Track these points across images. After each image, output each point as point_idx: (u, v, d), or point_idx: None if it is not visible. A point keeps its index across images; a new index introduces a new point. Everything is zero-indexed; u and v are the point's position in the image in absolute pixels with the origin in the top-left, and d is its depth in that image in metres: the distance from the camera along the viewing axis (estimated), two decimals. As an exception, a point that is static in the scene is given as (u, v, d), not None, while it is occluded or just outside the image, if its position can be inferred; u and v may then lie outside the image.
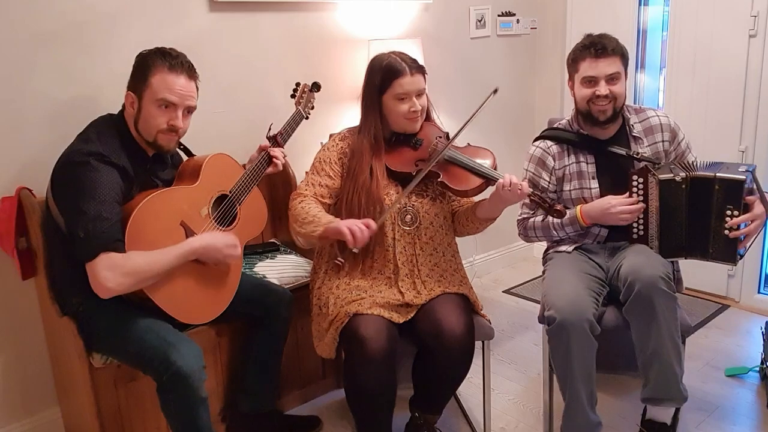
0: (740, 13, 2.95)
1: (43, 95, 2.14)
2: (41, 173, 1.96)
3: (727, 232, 1.98)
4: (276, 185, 2.63)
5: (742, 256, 2.03)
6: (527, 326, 3.08)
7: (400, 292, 1.99)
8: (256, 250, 2.52)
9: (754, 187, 2.00)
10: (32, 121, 2.13)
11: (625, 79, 2.15)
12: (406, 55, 2.05)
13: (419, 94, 2.02)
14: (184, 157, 2.10)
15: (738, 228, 1.97)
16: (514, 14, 3.62)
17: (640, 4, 3.38)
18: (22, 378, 2.21)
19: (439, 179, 1.99)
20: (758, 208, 1.98)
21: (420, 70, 2.03)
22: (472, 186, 1.98)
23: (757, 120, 2.98)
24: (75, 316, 1.85)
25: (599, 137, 2.20)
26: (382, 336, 1.85)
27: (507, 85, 3.70)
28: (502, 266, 3.88)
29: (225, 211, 1.98)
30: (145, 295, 1.75)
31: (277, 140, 2.14)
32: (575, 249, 2.19)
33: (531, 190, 1.95)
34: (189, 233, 1.85)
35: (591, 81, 2.11)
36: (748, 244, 2.02)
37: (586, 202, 2.16)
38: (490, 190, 1.98)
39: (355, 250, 1.85)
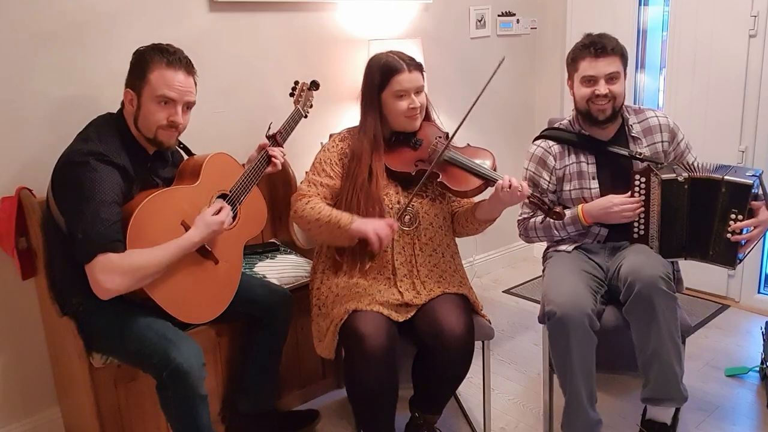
0: (740, 13, 2.95)
1: (43, 95, 2.14)
2: (41, 173, 1.96)
3: (729, 235, 1.98)
4: (276, 185, 2.63)
5: (741, 261, 2.03)
6: (527, 326, 3.08)
7: (400, 293, 1.99)
8: (256, 250, 2.52)
9: (760, 192, 2.00)
10: (32, 121, 2.13)
11: (625, 78, 2.15)
12: (404, 53, 2.06)
13: (418, 91, 2.03)
14: (184, 156, 2.10)
15: (741, 232, 1.97)
16: (514, 14, 3.62)
17: (640, 4, 3.38)
18: (22, 378, 2.21)
19: (438, 179, 1.99)
20: (763, 215, 1.98)
21: (418, 67, 2.03)
22: (472, 187, 1.98)
23: (757, 120, 2.98)
24: (75, 316, 1.85)
25: (599, 137, 2.20)
26: (382, 333, 1.85)
27: (507, 85, 3.70)
28: (502, 266, 3.88)
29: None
30: (146, 294, 1.75)
31: (276, 139, 2.14)
32: (575, 248, 2.19)
33: (530, 191, 1.95)
34: (189, 233, 1.86)
35: (590, 80, 2.11)
36: (747, 250, 2.02)
37: (586, 202, 2.16)
38: (490, 190, 1.98)
39: (377, 253, 1.86)
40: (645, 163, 2.11)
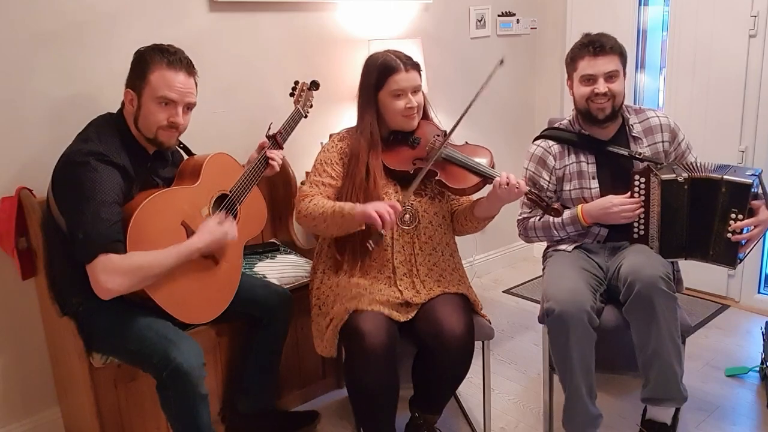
0: (740, 13, 2.95)
1: (43, 95, 2.14)
2: (41, 173, 1.96)
3: (729, 235, 1.98)
4: (276, 185, 2.63)
5: (741, 260, 2.03)
6: (527, 326, 3.08)
7: (400, 292, 1.99)
8: (256, 250, 2.52)
9: (760, 191, 2.00)
10: (32, 121, 2.13)
11: (624, 78, 2.15)
12: (401, 52, 2.05)
13: (415, 90, 2.03)
14: (185, 156, 2.10)
15: (741, 232, 1.96)
16: (514, 14, 3.62)
17: (640, 4, 3.38)
18: (22, 378, 2.21)
19: (436, 178, 1.99)
20: (763, 214, 1.98)
21: (415, 66, 2.03)
22: (470, 184, 1.98)
23: (757, 120, 2.98)
24: (75, 316, 1.85)
25: (599, 137, 2.20)
26: (382, 332, 1.85)
27: (507, 85, 3.70)
28: (502, 266, 3.88)
29: (225, 210, 1.98)
30: (146, 294, 1.75)
31: (276, 139, 2.14)
32: (575, 248, 2.19)
33: (528, 188, 1.95)
34: (190, 233, 1.85)
35: (590, 79, 2.11)
36: (748, 250, 2.02)
37: (586, 202, 2.16)
38: (489, 188, 1.98)
39: (382, 232, 1.82)
40: (645, 164, 2.11)
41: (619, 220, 2.09)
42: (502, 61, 1.93)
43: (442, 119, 2.20)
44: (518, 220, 2.30)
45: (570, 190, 2.21)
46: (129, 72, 1.86)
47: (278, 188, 2.63)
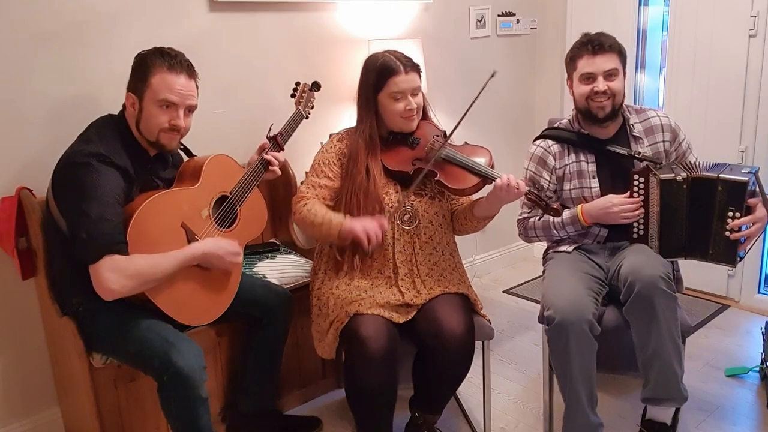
0: (740, 13, 2.95)
1: (43, 95, 2.14)
2: (41, 173, 1.96)
3: (728, 233, 1.98)
4: (276, 185, 2.63)
5: (741, 259, 2.03)
6: (527, 326, 3.08)
7: (400, 292, 1.99)
8: (256, 250, 2.52)
9: (757, 189, 2.00)
10: (32, 121, 2.13)
11: (624, 77, 2.15)
12: (401, 53, 2.05)
13: (414, 92, 2.02)
14: (185, 157, 2.09)
15: (739, 230, 1.97)
16: (514, 14, 3.62)
17: (640, 4, 3.38)
18: (22, 378, 2.21)
19: (435, 178, 1.99)
20: (760, 211, 1.98)
21: (414, 68, 2.03)
22: (469, 185, 1.98)
23: (757, 120, 2.98)
24: (75, 316, 1.85)
25: (600, 137, 2.20)
26: (383, 336, 1.85)
27: (507, 85, 3.70)
28: (502, 266, 3.88)
29: (225, 212, 1.98)
30: (146, 296, 1.76)
31: (277, 140, 2.14)
32: (575, 249, 2.19)
33: (528, 188, 1.95)
34: (189, 234, 1.86)
35: (589, 78, 2.11)
36: (748, 247, 2.02)
37: (587, 202, 2.16)
38: (488, 188, 1.98)
39: (368, 251, 1.86)
40: (644, 163, 2.11)
41: (619, 220, 2.09)
42: (494, 74, 1.95)
43: (441, 119, 2.20)
44: (518, 220, 2.30)
45: (570, 190, 2.21)
46: (130, 75, 1.87)
47: (278, 188, 2.63)
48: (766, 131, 2.97)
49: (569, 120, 2.28)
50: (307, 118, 2.29)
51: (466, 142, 2.15)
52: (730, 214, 1.97)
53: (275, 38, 2.70)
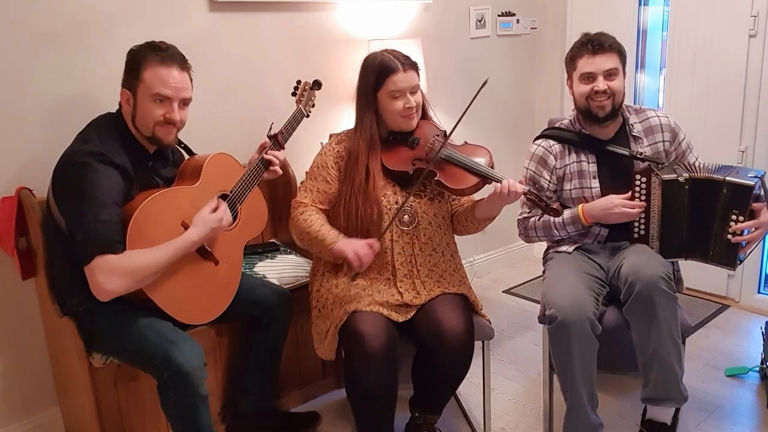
0: (740, 13, 2.95)
1: (43, 95, 2.14)
2: (41, 173, 1.96)
3: (729, 236, 1.98)
4: (276, 185, 2.63)
5: (741, 262, 2.02)
6: (527, 326, 3.08)
7: (399, 293, 1.99)
8: (256, 250, 2.52)
9: (762, 193, 2.00)
10: (32, 121, 2.13)
11: (624, 76, 2.15)
12: (399, 52, 2.04)
13: (413, 90, 2.02)
14: (186, 156, 2.09)
15: (741, 233, 1.96)
16: (514, 14, 3.62)
17: (640, 4, 3.38)
18: (22, 378, 2.21)
19: (435, 178, 1.99)
20: (764, 216, 1.97)
21: (413, 66, 2.03)
22: (469, 184, 1.98)
23: (757, 120, 2.98)
24: (75, 316, 1.85)
25: (600, 137, 2.20)
26: (382, 333, 1.84)
27: (507, 85, 3.70)
28: (502, 266, 3.88)
29: (218, 197, 1.97)
30: (146, 295, 1.75)
31: (277, 139, 2.13)
32: (576, 249, 2.19)
33: (526, 187, 1.95)
34: (189, 233, 1.85)
35: (589, 77, 2.11)
36: (748, 251, 2.02)
37: (587, 202, 2.16)
38: (488, 187, 1.98)
39: (359, 271, 1.88)
40: (646, 163, 2.11)
41: (620, 219, 2.09)
42: (486, 81, 1.95)
43: (441, 119, 2.20)
44: (518, 220, 2.30)
45: (570, 190, 2.21)
46: (124, 72, 1.86)
47: (278, 188, 2.63)
48: (766, 131, 2.97)
49: (570, 120, 2.28)
50: (308, 116, 2.28)
51: (465, 142, 2.15)
52: (734, 217, 1.97)
53: (275, 38, 2.70)
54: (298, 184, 2.53)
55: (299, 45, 2.77)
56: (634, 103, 3.24)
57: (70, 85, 2.19)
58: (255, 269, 2.35)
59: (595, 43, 2.09)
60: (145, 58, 1.81)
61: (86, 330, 1.84)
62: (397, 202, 2.02)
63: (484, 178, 1.98)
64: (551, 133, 2.29)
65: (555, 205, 1.97)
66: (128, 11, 2.29)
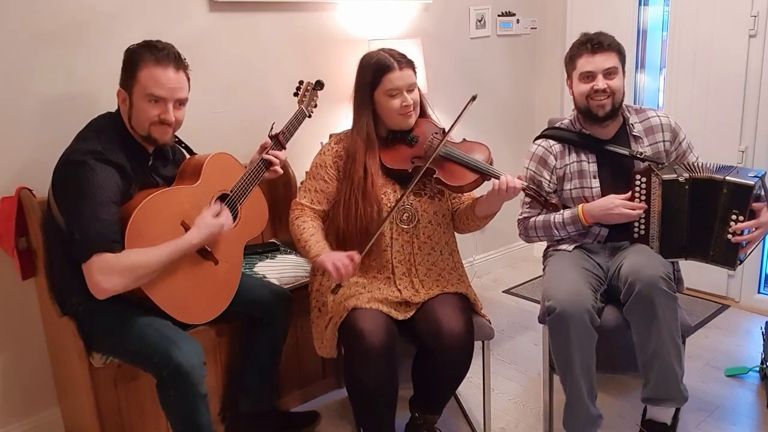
0: (740, 13, 2.95)
1: (43, 95, 2.14)
2: (41, 173, 1.96)
3: (729, 236, 1.98)
4: (276, 185, 2.63)
5: (741, 262, 2.02)
6: (527, 326, 3.08)
7: (399, 291, 1.99)
8: (256, 250, 2.52)
9: (762, 194, 1.99)
10: (32, 121, 2.13)
11: (623, 76, 2.15)
12: (395, 50, 2.04)
13: (410, 88, 2.02)
14: (186, 155, 2.09)
15: (741, 233, 1.96)
16: (514, 14, 3.62)
17: (640, 4, 3.38)
18: (22, 378, 2.21)
19: (434, 176, 1.99)
20: (764, 216, 1.97)
21: (409, 64, 2.02)
22: (468, 181, 1.98)
23: (757, 120, 2.98)
24: (75, 316, 1.85)
25: (600, 137, 2.20)
26: (381, 329, 1.85)
27: (507, 85, 3.70)
28: (502, 266, 3.88)
29: (219, 200, 1.97)
30: (144, 294, 1.75)
31: (279, 139, 2.13)
32: (576, 248, 2.19)
33: (525, 183, 1.95)
34: (189, 233, 1.85)
35: (588, 76, 2.12)
36: (749, 251, 2.02)
37: (587, 202, 2.16)
38: (487, 185, 1.98)
39: (342, 284, 1.88)
40: (646, 163, 2.11)
41: (620, 219, 2.09)
42: (474, 97, 1.95)
43: (441, 119, 2.20)
44: (518, 219, 2.30)
45: (571, 190, 2.21)
46: (121, 71, 1.85)
47: (278, 188, 2.63)
48: (766, 131, 2.97)
49: (570, 120, 2.28)
50: (309, 117, 2.28)
51: (464, 139, 2.14)
52: (734, 217, 1.97)
53: (275, 38, 2.70)
54: (298, 184, 2.54)
55: (299, 45, 2.77)
56: (634, 103, 3.24)
57: (70, 85, 2.19)
58: (255, 269, 2.35)
59: (595, 43, 2.10)
60: (140, 57, 1.80)
61: (86, 330, 1.84)
62: (397, 201, 2.02)
63: (483, 175, 1.98)
64: (551, 133, 2.29)
65: (554, 201, 1.97)
66: (128, 11, 2.29)
